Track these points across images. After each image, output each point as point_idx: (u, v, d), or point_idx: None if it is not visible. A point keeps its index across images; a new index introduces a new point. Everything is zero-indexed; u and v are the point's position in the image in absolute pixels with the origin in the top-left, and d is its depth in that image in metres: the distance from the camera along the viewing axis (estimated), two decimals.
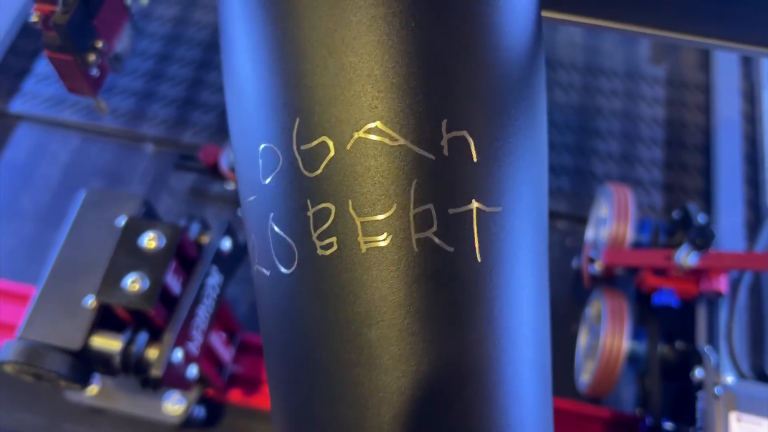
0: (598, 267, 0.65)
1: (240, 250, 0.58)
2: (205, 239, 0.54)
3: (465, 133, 0.23)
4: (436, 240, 0.23)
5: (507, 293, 0.24)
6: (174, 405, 0.63)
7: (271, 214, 0.24)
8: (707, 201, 0.81)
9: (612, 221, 0.66)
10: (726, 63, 0.90)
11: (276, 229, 0.24)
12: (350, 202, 0.23)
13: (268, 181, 0.24)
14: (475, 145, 0.23)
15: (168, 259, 0.48)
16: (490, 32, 0.24)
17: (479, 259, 0.23)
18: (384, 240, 0.23)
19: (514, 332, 0.24)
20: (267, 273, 0.25)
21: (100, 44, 0.47)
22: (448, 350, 0.23)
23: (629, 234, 0.66)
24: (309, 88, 0.23)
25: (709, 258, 0.60)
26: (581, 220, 0.79)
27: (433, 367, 0.23)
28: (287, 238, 0.24)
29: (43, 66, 0.91)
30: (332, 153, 0.23)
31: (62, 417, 0.69)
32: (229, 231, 0.55)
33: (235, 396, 0.66)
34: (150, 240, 0.49)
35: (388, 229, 0.23)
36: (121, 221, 0.52)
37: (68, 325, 0.49)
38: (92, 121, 0.86)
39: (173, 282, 0.50)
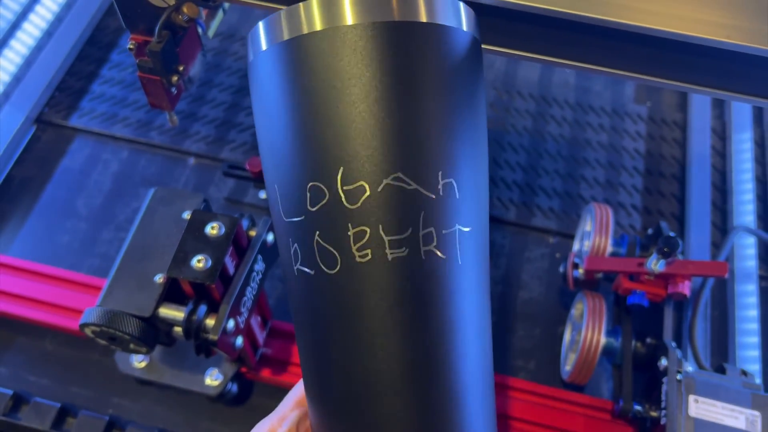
0: (580, 272, 0.76)
1: None
2: (253, 233, 0.65)
3: (452, 180, 0.35)
4: (436, 251, 0.35)
5: (476, 283, 0.37)
6: (213, 379, 0.73)
7: (317, 232, 0.35)
8: (681, 223, 0.92)
9: (594, 234, 0.77)
10: (701, 104, 1.02)
11: (321, 242, 0.34)
12: (380, 226, 0.34)
13: (315, 209, 0.34)
14: (457, 187, 0.36)
15: (227, 244, 0.59)
16: (468, 114, 0.37)
17: (460, 262, 0.35)
18: (403, 252, 0.34)
19: (480, 306, 0.37)
20: (311, 272, 0.35)
21: (181, 68, 0.59)
22: (441, 319, 0.35)
23: (608, 245, 0.77)
24: (352, 147, 0.34)
25: (674, 265, 0.70)
26: (569, 237, 0.90)
27: (431, 330, 0.34)
28: (332, 249, 0.34)
29: (97, 86, 1.02)
30: (368, 193, 0.34)
31: (109, 391, 0.78)
32: (272, 227, 0.66)
33: (264, 374, 0.76)
34: (213, 228, 0.59)
35: (406, 244, 0.34)
36: (186, 214, 0.63)
37: (140, 296, 0.60)
38: (140, 136, 0.97)
39: (229, 264, 0.60)
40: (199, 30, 0.61)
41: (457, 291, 0.35)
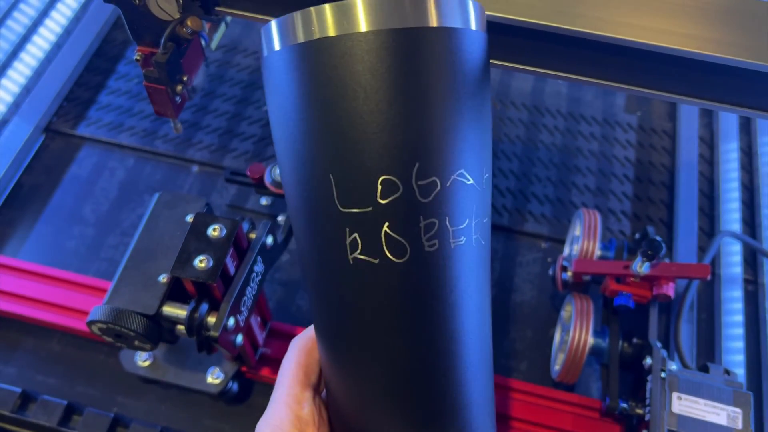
0: (569, 275, 0.79)
1: (278, 246, 0.72)
2: (253, 235, 0.68)
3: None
4: (480, 239, 0.39)
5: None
6: (215, 378, 0.76)
7: (387, 222, 0.36)
8: (669, 228, 0.95)
9: (582, 238, 0.80)
10: (689, 113, 1.05)
11: (390, 232, 0.36)
12: (447, 218, 0.37)
13: (386, 201, 0.36)
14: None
15: (228, 245, 0.62)
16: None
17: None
18: (462, 240, 0.37)
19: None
20: (376, 261, 0.37)
21: (185, 78, 0.62)
22: (482, 295, 0.40)
23: (597, 249, 0.79)
24: (427, 145, 0.36)
25: (659, 267, 0.73)
26: (561, 242, 0.93)
27: (476, 306, 0.39)
28: (401, 239, 0.36)
29: (104, 96, 1.05)
30: (439, 187, 0.36)
31: (114, 390, 0.81)
32: (271, 230, 0.69)
33: (264, 373, 0.78)
34: (214, 230, 0.62)
35: (465, 233, 0.37)
36: (189, 217, 0.66)
37: (145, 295, 0.63)
38: (145, 145, 1.00)
39: (230, 264, 0.63)
40: (203, 42, 0.65)
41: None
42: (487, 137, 0.40)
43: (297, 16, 0.37)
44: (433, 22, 0.36)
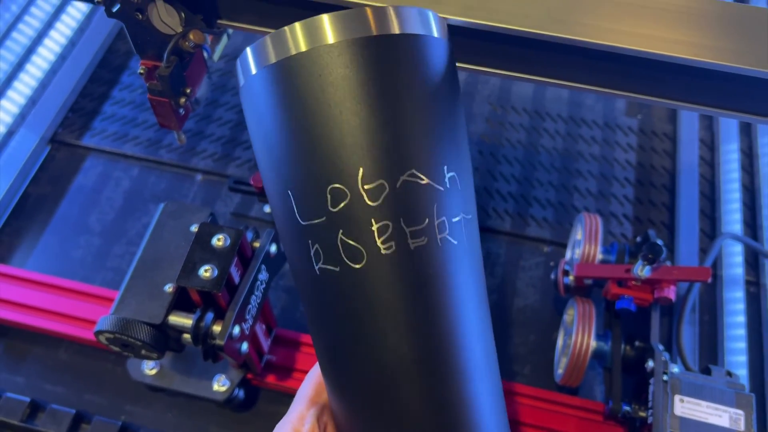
0: (571, 279, 0.79)
1: (281, 254, 0.72)
2: (257, 244, 0.68)
3: (454, 173, 0.39)
4: (449, 238, 0.38)
5: (478, 263, 0.41)
6: (221, 385, 0.76)
7: (341, 230, 0.37)
8: (671, 231, 0.95)
9: (584, 242, 0.80)
10: (689, 116, 1.05)
11: (345, 239, 0.37)
12: (401, 219, 0.37)
13: (337, 209, 0.37)
14: (458, 179, 0.39)
15: (232, 254, 0.63)
16: (454, 111, 0.41)
17: (467, 246, 0.39)
18: (423, 241, 0.37)
19: (483, 284, 0.41)
20: (336, 269, 0.38)
21: (188, 90, 0.63)
22: (460, 298, 0.38)
23: (598, 253, 0.80)
24: (371, 149, 0.37)
25: (660, 271, 0.73)
26: (563, 245, 0.93)
27: (454, 308, 0.38)
28: (356, 245, 0.37)
29: (109, 107, 1.06)
30: (388, 190, 0.37)
31: (121, 399, 0.81)
32: (275, 239, 0.70)
33: (269, 380, 0.79)
34: (219, 240, 0.63)
35: (425, 233, 0.37)
36: (194, 227, 0.67)
37: (152, 305, 0.63)
38: (149, 154, 1.01)
39: (234, 273, 0.64)
40: (205, 54, 0.65)
41: (469, 272, 0.39)
42: (452, 135, 0.40)
43: (268, 38, 0.39)
44: (396, 30, 0.38)
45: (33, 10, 1.08)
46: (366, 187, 0.36)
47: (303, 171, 0.38)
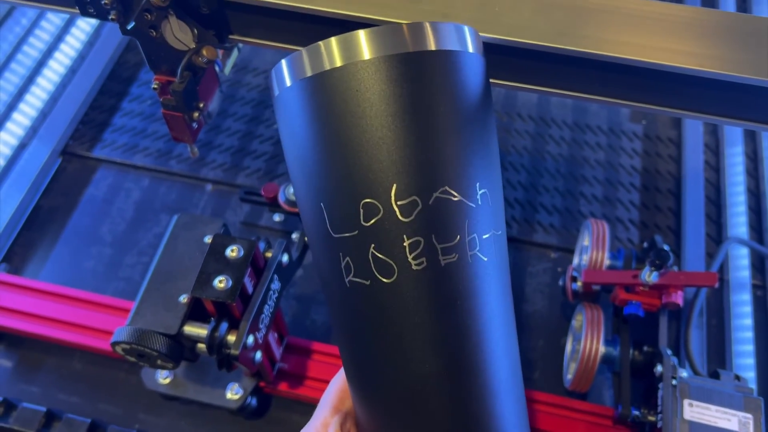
0: (579, 285, 0.80)
1: (293, 264, 0.73)
2: (269, 254, 0.69)
3: (486, 190, 0.40)
4: (480, 255, 0.38)
5: (506, 279, 0.41)
6: (234, 394, 0.77)
7: (373, 245, 0.37)
8: (677, 236, 0.96)
9: (591, 249, 0.81)
10: (694, 121, 1.06)
11: (377, 253, 0.37)
12: (433, 236, 0.37)
13: (369, 224, 0.37)
14: (490, 196, 0.40)
15: (245, 265, 0.64)
16: (487, 128, 0.41)
17: (496, 262, 0.40)
18: (453, 257, 0.37)
19: (510, 299, 0.42)
20: (367, 282, 0.38)
21: (201, 104, 0.64)
22: (490, 313, 0.39)
23: (605, 259, 0.81)
24: (404, 165, 0.37)
25: (667, 276, 0.74)
26: (570, 251, 0.94)
27: (483, 323, 0.38)
28: (388, 260, 0.37)
29: (118, 119, 1.07)
30: (420, 206, 0.37)
31: (135, 407, 0.83)
32: (287, 249, 0.71)
33: (281, 388, 0.80)
34: (232, 251, 0.64)
35: (456, 250, 0.38)
36: (207, 238, 0.68)
37: (167, 315, 0.64)
38: (160, 165, 1.02)
39: (248, 284, 0.65)
40: (217, 68, 0.67)
41: (499, 288, 0.40)
42: (485, 153, 0.40)
43: (304, 52, 0.39)
44: (432, 46, 0.39)
45: (43, 23, 1.09)
46: (399, 203, 0.37)
47: (336, 184, 0.38)
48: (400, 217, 0.37)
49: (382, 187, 0.37)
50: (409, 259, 0.37)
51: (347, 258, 0.38)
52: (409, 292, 0.37)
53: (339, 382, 0.45)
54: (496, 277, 0.39)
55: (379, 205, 0.37)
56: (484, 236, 0.39)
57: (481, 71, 0.41)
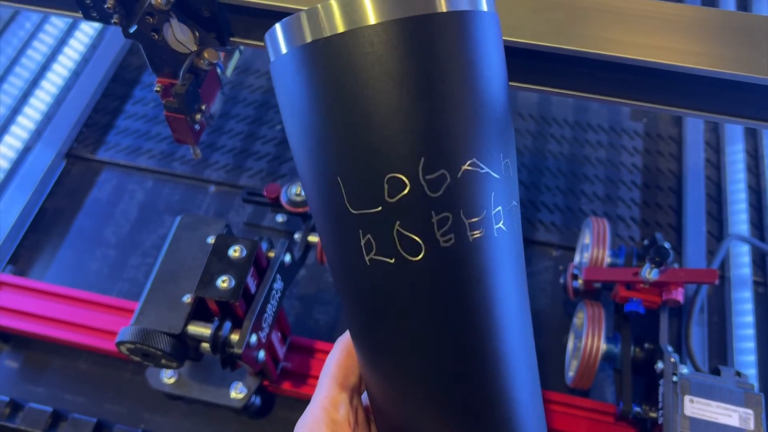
0: (580, 283, 0.81)
1: (296, 263, 0.74)
2: (272, 254, 0.70)
3: (508, 160, 0.38)
4: (504, 228, 0.37)
5: (522, 249, 0.39)
6: (238, 393, 0.78)
7: (398, 221, 0.35)
8: (678, 233, 0.96)
9: (592, 246, 0.82)
10: (695, 119, 1.06)
11: (403, 230, 0.35)
12: (461, 211, 0.35)
13: (395, 199, 0.35)
14: (511, 166, 0.38)
15: (248, 265, 0.64)
16: (504, 93, 0.39)
17: (516, 235, 0.38)
18: (481, 232, 0.36)
19: (523, 266, 0.40)
20: (391, 261, 0.36)
21: (203, 106, 0.64)
22: (515, 287, 0.37)
23: (606, 256, 0.81)
24: (432, 137, 0.35)
25: (667, 273, 0.75)
26: (571, 249, 0.95)
27: (511, 298, 0.37)
28: (415, 237, 0.35)
29: (122, 121, 1.08)
30: (449, 180, 0.35)
31: (140, 407, 0.83)
32: (289, 248, 0.71)
33: (285, 387, 0.80)
34: (235, 251, 0.65)
35: (483, 224, 0.36)
36: (210, 239, 0.68)
37: (171, 315, 0.65)
38: (163, 167, 1.03)
39: (251, 283, 0.65)
40: (218, 70, 0.67)
41: (518, 261, 0.38)
42: (506, 120, 0.38)
43: (303, 15, 0.36)
44: (442, 8, 0.35)
45: (47, 27, 1.10)
46: (427, 177, 0.35)
47: (356, 158, 0.36)
48: (428, 192, 0.35)
49: (409, 161, 0.35)
50: (437, 236, 0.35)
51: (368, 235, 0.36)
52: (436, 270, 0.36)
53: (340, 355, 0.43)
54: (515, 250, 0.38)
55: (406, 179, 0.35)
56: (507, 208, 0.37)
57: (496, 31, 0.39)
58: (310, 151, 0.38)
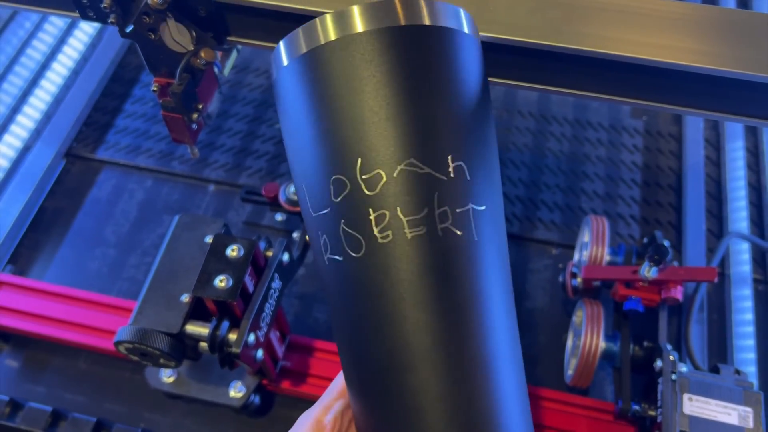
0: (579, 281, 0.80)
1: (294, 262, 0.74)
2: (270, 253, 0.70)
3: (461, 163, 0.39)
4: (452, 228, 0.38)
5: (495, 258, 0.40)
6: (237, 392, 0.78)
7: (342, 220, 0.38)
8: (678, 231, 0.96)
9: (591, 245, 0.82)
10: (695, 117, 1.06)
11: (347, 228, 0.38)
12: (398, 208, 0.37)
13: (339, 199, 0.38)
14: (468, 169, 0.39)
15: (246, 264, 0.64)
16: (473, 104, 0.41)
17: (476, 238, 0.39)
18: (421, 230, 0.37)
19: (501, 280, 0.40)
20: (340, 258, 0.38)
21: (200, 106, 0.64)
22: (463, 290, 0.38)
23: (606, 254, 0.81)
24: (368, 140, 0.38)
25: (666, 271, 0.74)
26: (571, 247, 0.94)
27: (454, 300, 0.37)
28: (356, 234, 0.38)
29: (121, 120, 1.08)
30: (385, 179, 0.37)
31: (140, 406, 0.83)
32: (287, 248, 0.71)
33: (284, 386, 0.80)
34: (233, 250, 0.65)
35: (423, 223, 0.37)
36: (208, 238, 0.68)
37: (169, 315, 0.65)
38: (162, 166, 1.03)
39: (249, 282, 0.65)
40: (216, 70, 0.67)
41: (476, 264, 0.38)
42: (464, 124, 0.40)
43: (300, 30, 0.40)
44: (426, 21, 0.39)
45: (46, 26, 1.10)
46: (364, 176, 0.37)
47: (312, 163, 0.39)
48: (365, 191, 0.37)
49: (348, 162, 0.38)
50: (375, 233, 0.37)
51: (324, 236, 0.39)
52: (376, 265, 0.37)
53: None
54: (476, 253, 0.38)
55: (345, 180, 0.38)
56: (458, 210, 0.38)
57: (471, 48, 0.42)
58: (291, 164, 0.42)
